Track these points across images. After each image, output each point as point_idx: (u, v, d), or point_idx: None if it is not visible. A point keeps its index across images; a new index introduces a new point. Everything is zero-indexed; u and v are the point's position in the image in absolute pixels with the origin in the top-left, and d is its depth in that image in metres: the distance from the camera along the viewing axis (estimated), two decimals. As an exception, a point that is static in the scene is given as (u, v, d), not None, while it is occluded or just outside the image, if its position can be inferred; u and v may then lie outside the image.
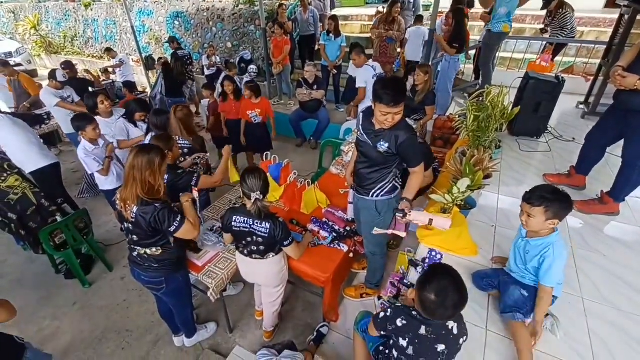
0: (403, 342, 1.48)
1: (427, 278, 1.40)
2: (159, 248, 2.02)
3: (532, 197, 1.73)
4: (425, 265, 2.32)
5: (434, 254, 2.37)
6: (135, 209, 1.85)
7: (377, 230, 2.02)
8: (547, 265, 1.73)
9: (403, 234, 2.00)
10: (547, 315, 1.93)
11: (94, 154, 3.08)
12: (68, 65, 5.19)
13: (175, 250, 2.12)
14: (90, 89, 5.73)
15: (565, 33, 5.21)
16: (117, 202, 1.95)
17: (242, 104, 4.46)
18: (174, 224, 1.93)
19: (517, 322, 1.86)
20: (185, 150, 2.89)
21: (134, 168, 1.83)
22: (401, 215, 1.86)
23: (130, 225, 1.93)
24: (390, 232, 1.99)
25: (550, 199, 1.68)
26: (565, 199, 1.69)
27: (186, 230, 2.00)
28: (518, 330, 1.84)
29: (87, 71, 6.86)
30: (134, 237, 1.98)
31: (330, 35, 5.66)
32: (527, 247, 1.84)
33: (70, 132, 4.64)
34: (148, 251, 2.01)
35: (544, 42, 5.59)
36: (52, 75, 4.49)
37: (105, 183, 3.26)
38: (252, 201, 1.96)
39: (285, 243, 2.09)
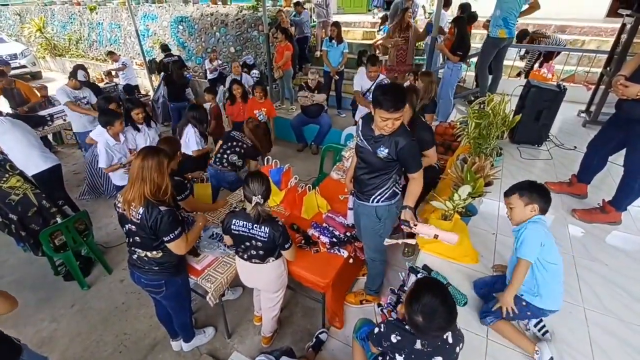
0: (399, 358, 1.46)
1: (414, 298, 1.36)
2: (160, 251, 2.01)
3: (506, 191, 1.88)
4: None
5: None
6: (141, 210, 1.86)
7: (388, 242, 2.02)
8: (522, 239, 1.76)
9: (413, 241, 2.02)
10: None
11: (114, 148, 3.23)
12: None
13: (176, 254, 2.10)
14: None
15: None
16: (119, 204, 1.95)
17: (248, 104, 4.56)
18: (170, 235, 1.92)
19: (493, 324, 1.91)
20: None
21: (143, 169, 1.84)
22: (407, 226, 1.87)
23: (134, 226, 1.92)
24: (401, 242, 2.00)
25: (519, 186, 1.82)
26: (534, 183, 1.81)
27: (177, 246, 1.99)
28: (499, 329, 1.91)
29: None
30: (137, 238, 1.97)
31: (333, 41, 5.70)
32: (515, 238, 1.85)
33: (79, 131, 4.64)
34: (149, 254, 2.01)
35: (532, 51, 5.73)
36: (73, 74, 4.41)
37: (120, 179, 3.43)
38: (253, 205, 1.96)
39: (286, 246, 2.09)
